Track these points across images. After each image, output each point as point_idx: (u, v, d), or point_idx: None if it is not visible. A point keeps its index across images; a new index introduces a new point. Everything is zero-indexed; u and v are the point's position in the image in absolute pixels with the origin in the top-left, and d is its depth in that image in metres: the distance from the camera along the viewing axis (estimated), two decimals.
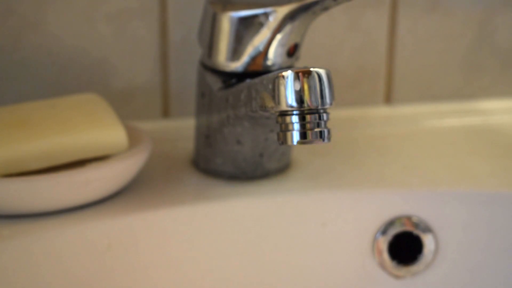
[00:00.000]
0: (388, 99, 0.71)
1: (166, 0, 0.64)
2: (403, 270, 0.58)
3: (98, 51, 0.64)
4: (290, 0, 0.52)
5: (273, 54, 0.54)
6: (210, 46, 0.55)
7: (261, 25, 0.53)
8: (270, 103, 0.47)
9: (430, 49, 0.70)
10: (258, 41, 0.53)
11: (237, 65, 0.54)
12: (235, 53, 0.54)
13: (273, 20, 0.52)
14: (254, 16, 0.53)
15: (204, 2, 0.56)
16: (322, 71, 0.46)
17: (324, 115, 0.46)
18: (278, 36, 0.53)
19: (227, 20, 0.54)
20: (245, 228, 0.56)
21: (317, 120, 0.46)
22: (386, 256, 0.58)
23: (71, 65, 0.64)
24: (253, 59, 0.54)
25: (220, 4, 0.55)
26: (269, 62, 0.54)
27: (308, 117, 0.45)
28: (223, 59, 0.55)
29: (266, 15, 0.52)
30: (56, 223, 0.53)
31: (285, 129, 0.46)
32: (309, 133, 0.46)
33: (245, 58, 0.54)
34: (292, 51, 0.54)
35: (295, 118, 0.46)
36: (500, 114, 0.70)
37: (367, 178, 0.59)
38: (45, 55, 0.63)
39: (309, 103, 0.45)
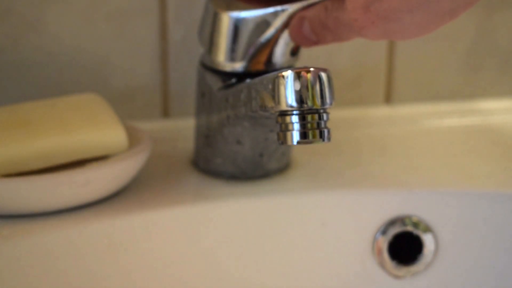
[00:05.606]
0: (388, 99, 0.71)
1: (166, 0, 0.64)
2: (403, 270, 0.58)
3: (98, 51, 0.64)
4: None
5: (278, 53, 0.54)
6: (211, 45, 0.55)
7: (265, 24, 0.53)
8: (270, 103, 0.47)
9: (430, 49, 0.70)
10: (262, 40, 0.53)
11: (239, 65, 0.54)
12: (236, 53, 0.54)
13: (279, 19, 0.52)
14: (258, 16, 0.53)
15: (205, 0, 0.56)
16: (322, 71, 0.45)
17: (324, 115, 0.46)
18: (284, 35, 0.53)
19: (230, 20, 0.54)
20: (245, 228, 0.56)
21: (317, 120, 0.46)
22: (386, 256, 0.58)
23: (71, 65, 0.64)
24: (256, 58, 0.54)
25: (222, 2, 0.55)
26: (273, 61, 0.54)
27: (308, 117, 0.45)
28: (223, 59, 0.55)
29: (271, 14, 0.52)
30: (56, 223, 0.53)
31: (285, 129, 0.46)
32: (309, 133, 0.46)
33: (247, 58, 0.54)
34: (296, 50, 0.54)
35: (295, 118, 0.46)
36: (500, 114, 0.70)
37: (367, 178, 0.59)
38: (45, 55, 0.63)
39: (309, 103, 0.45)
